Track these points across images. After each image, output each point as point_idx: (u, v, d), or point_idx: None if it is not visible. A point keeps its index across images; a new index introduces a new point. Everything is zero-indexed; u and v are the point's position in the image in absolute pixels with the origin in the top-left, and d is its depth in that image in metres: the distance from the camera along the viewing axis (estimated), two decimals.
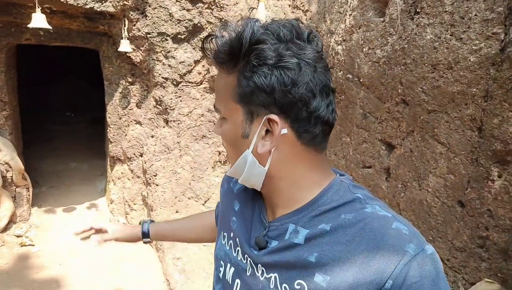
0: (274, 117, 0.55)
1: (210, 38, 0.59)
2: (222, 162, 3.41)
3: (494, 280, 1.41)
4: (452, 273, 1.66)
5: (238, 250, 0.67)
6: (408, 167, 1.87)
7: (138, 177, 3.47)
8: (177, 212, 3.26)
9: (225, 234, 0.73)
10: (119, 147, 3.50)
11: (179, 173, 3.16)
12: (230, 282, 0.67)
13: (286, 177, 0.60)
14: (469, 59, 1.42)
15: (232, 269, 0.67)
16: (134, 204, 3.57)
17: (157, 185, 3.14)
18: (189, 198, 3.22)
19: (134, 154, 3.40)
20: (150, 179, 3.20)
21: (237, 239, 0.67)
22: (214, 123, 3.20)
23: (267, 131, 0.57)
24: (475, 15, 1.38)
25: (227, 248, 0.70)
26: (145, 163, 3.26)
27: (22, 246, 3.15)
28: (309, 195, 0.60)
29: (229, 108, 0.59)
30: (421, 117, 1.73)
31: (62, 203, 3.91)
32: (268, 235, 0.62)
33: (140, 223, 1.07)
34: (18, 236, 3.23)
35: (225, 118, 0.60)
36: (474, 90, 1.42)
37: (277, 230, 0.61)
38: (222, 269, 0.70)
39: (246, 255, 0.64)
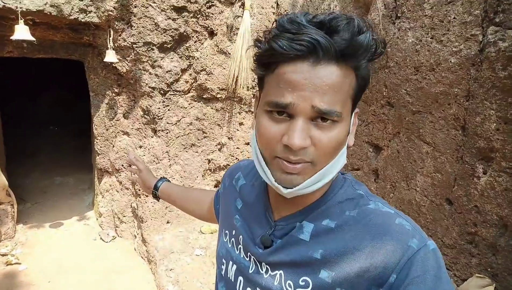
0: (357, 109, 0.59)
1: (341, 30, 0.51)
2: (212, 170, 3.40)
3: (485, 275, 1.44)
4: None
5: (240, 248, 0.67)
6: (396, 167, 1.90)
7: (127, 188, 3.42)
8: (168, 222, 3.22)
9: (227, 231, 0.73)
10: (106, 159, 3.45)
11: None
12: (232, 280, 0.67)
13: None
14: (450, 61, 1.47)
15: (234, 266, 0.67)
16: (124, 216, 3.51)
17: (146, 196, 3.10)
18: None
19: (122, 165, 3.36)
20: (139, 190, 3.16)
21: (240, 237, 0.68)
22: (203, 131, 3.20)
23: None
24: (454, 18, 1.43)
25: (229, 246, 0.70)
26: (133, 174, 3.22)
27: (8, 265, 3.04)
28: (318, 193, 0.60)
29: (347, 108, 0.54)
30: (406, 118, 1.77)
31: (48, 219, 3.81)
32: (274, 234, 0.62)
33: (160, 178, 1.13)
34: (3, 255, 3.13)
35: (339, 121, 0.52)
36: (456, 90, 1.47)
37: (284, 229, 0.61)
38: (224, 267, 0.70)
39: (249, 253, 0.65)
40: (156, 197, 1.11)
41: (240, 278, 0.65)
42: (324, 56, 0.50)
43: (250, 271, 0.64)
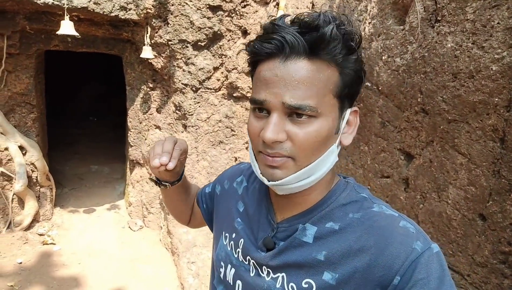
0: (356, 108, 0.59)
1: (314, 26, 0.53)
2: None
3: None
4: (473, 289, 1.59)
5: (238, 252, 0.67)
6: (428, 177, 1.82)
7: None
8: None
9: (227, 234, 0.73)
10: (138, 151, 3.58)
11: (195, 177, 3.20)
12: (231, 284, 0.67)
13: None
14: (491, 68, 1.39)
15: (233, 270, 0.67)
16: (152, 207, 3.64)
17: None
18: None
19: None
20: None
21: (240, 241, 0.67)
22: (232, 129, 3.24)
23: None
24: (498, 23, 1.35)
25: (229, 249, 0.70)
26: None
27: (44, 244, 3.25)
28: (319, 195, 0.61)
29: (327, 104, 0.54)
30: (441, 127, 1.70)
31: (83, 204, 4.03)
32: (276, 236, 0.62)
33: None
34: (40, 235, 3.35)
35: (316, 116, 0.53)
36: (496, 99, 1.38)
37: (286, 231, 0.61)
38: (222, 270, 0.70)
39: (248, 257, 0.65)
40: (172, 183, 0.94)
41: (239, 282, 0.66)
42: (291, 52, 0.52)
43: (251, 275, 0.64)
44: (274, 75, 0.53)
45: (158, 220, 3.64)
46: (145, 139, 3.49)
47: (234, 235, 0.70)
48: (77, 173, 4.80)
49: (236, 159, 3.37)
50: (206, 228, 2.92)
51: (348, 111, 0.58)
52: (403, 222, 0.55)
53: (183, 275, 2.72)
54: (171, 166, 0.69)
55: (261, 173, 0.57)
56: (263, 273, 0.62)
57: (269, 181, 0.56)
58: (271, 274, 0.60)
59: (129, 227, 3.67)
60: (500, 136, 1.39)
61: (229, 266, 0.68)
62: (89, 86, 7.46)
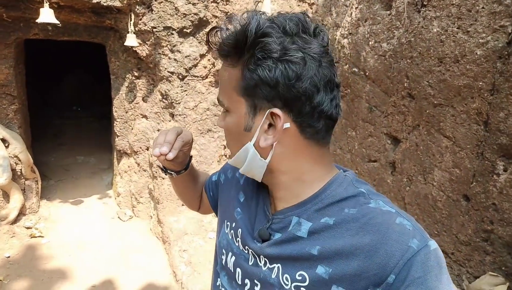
0: (277, 111, 0.55)
1: (215, 31, 0.59)
2: (228, 156, 3.43)
3: (499, 273, 1.42)
4: (457, 266, 1.66)
5: (238, 241, 0.68)
6: (414, 161, 1.87)
7: (145, 170, 3.51)
8: (183, 205, 3.30)
9: (228, 223, 0.73)
10: (125, 140, 3.53)
11: None
12: (232, 270, 0.68)
13: (288, 171, 0.60)
14: (476, 53, 1.42)
15: (233, 258, 0.68)
16: (141, 197, 3.62)
17: (163, 178, 3.17)
18: None
19: (141, 147, 3.44)
20: (156, 172, 3.24)
21: (239, 230, 0.68)
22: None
23: (270, 125, 0.57)
24: (482, 7, 1.37)
25: (230, 237, 0.71)
26: (151, 156, 3.29)
27: (32, 237, 3.21)
28: (311, 189, 0.60)
29: (232, 101, 0.59)
30: (427, 111, 1.73)
31: (70, 196, 3.97)
32: (271, 227, 0.62)
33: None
34: (27, 228, 3.30)
35: (228, 111, 0.60)
36: (481, 83, 1.41)
37: (281, 222, 0.61)
38: (224, 257, 0.71)
39: (246, 246, 0.65)
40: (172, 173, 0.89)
41: (238, 270, 0.67)
42: (218, 55, 0.61)
43: (250, 263, 0.64)
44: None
45: (147, 209, 3.63)
46: (132, 128, 3.44)
47: (234, 224, 0.71)
48: (63, 165, 4.72)
49: (225, 147, 3.37)
50: (195, 216, 2.91)
51: (267, 111, 0.56)
52: (400, 219, 0.54)
53: (175, 263, 2.74)
54: (170, 156, 0.71)
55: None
56: (260, 262, 0.62)
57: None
58: (268, 264, 0.61)
59: (119, 217, 3.65)
60: (484, 119, 1.43)
61: (230, 253, 0.69)
62: (72, 75, 7.26)
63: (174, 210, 3.23)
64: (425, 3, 1.71)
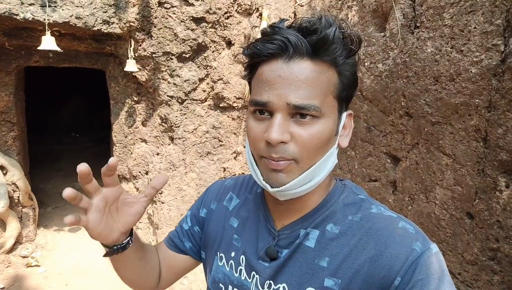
0: (351, 111, 0.60)
1: (316, 29, 0.53)
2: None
3: None
4: (464, 287, 1.62)
5: (241, 270, 0.64)
6: (415, 179, 1.86)
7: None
8: None
9: (222, 255, 0.69)
10: (124, 165, 3.52)
11: (184, 190, 3.16)
12: None
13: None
14: (471, 71, 1.44)
15: None
16: (140, 222, 3.56)
17: (162, 203, 3.14)
18: None
19: (140, 172, 3.42)
20: (155, 197, 3.20)
21: (241, 257, 0.65)
22: (219, 140, 3.23)
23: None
24: (475, 27, 1.41)
25: (227, 269, 0.67)
26: (150, 181, 3.27)
27: (28, 267, 3.13)
28: (319, 198, 0.61)
29: (328, 105, 0.55)
30: (426, 129, 1.74)
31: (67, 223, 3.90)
32: (278, 244, 0.61)
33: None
34: (24, 257, 3.22)
35: (319, 116, 0.54)
36: (477, 101, 1.43)
37: (288, 238, 0.60)
38: None
39: (253, 273, 0.62)
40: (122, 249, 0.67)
41: None
42: (295, 52, 0.52)
43: None
44: (278, 76, 0.52)
45: (146, 235, 3.56)
46: (131, 153, 3.43)
47: (233, 254, 0.67)
48: (61, 191, 4.52)
49: (224, 170, 3.35)
50: None
51: (345, 113, 0.59)
52: (402, 223, 0.55)
53: (175, 289, 2.67)
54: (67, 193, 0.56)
55: (264, 180, 0.56)
56: (263, 288, 0.60)
57: (272, 187, 0.54)
58: (273, 286, 0.59)
59: None
60: (482, 136, 1.44)
61: (230, 286, 0.65)
62: (70, 102, 7.32)
63: None
64: (418, 24, 1.75)
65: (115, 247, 0.66)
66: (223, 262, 0.68)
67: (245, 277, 0.63)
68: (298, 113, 0.53)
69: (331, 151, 0.57)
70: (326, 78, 0.54)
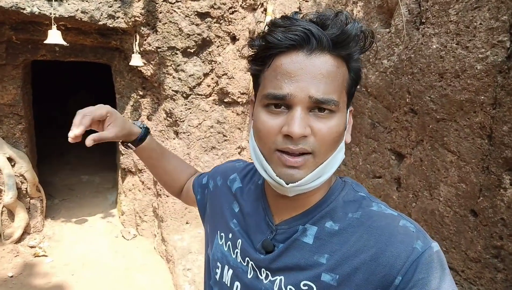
0: (351, 107, 0.60)
1: (336, 24, 0.53)
2: None
3: None
4: (468, 284, 1.62)
5: (237, 252, 0.65)
6: (419, 176, 1.85)
7: (149, 188, 3.51)
8: (187, 223, 3.28)
9: (222, 234, 0.70)
10: (130, 159, 3.55)
11: None
12: (228, 285, 0.65)
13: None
14: (476, 67, 1.43)
15: (231, 271, 0.65)
16: (145, 215, 3.60)
17: (167, 196, 3.16)
18: None
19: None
20: (160, 190, 3.23)
21: (238, 241, 0.66)
22: (224, 135, 3.24)
23: None
24: (480, 24, 1.39)
25: (225, 249, 0.68)
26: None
27: (35, 256, 3.19)
28: (319, 195, 0.60)
29: (342, 100, 0.54)
30: (430, 126, 1.73)
31: (74, 215, 3.97)
32: (275, 238, 0.61)
33: (139, 127, 0.87)
34: (31, 247, 3.28)
35: (335, 111, 0.53)
36: (482, 97, 1.42)
37: (285, 233, 0.60)
38: (219, 271, 0.68)
39: (247, 258, 0.63)
40: (131, 147, 0.87)
41: (237, 283, 0.64)
42: (317, 45, 0.51)
43: (249, 276, 0.62)
44: (299, 68, 0.51)
45: (151, 228, 3.60)
46: None
47: (230, 235, 0.68)
48: (68, 184, 4.73)
49: None
50: (199, 234, 2.88)
51: (349, 109, 0.59)
52: (403, 221, 0.55)
53: (179, 282, 2.70)
54: (74, 132, 0.74)
55: (277, 175, 0.54)
56: (261, 276, 0.61)
57: (287, 183, 0.53)
58: (270, 277, 0.59)
59: (123, 236, 3.62)
60: (487, 133, 1.42)
61: (226, 267, 0.66)
62: (78, 95, 7.38)
63: (178, 228, 3.20)
64: (423, 20, 1.73)
65: (136, 139, 0.84)
66: (222, 242, 0.69)
67: (240, 260, 0.64)
68: (317, 107, 0.52)
69: (341, 146, 0.57)
70: (342, 73, 0.54)
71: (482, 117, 1.44)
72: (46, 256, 3.21)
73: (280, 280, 0.58)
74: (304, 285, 0.56)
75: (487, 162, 1.44)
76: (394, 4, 1.95)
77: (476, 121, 1.47)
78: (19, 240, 3.28)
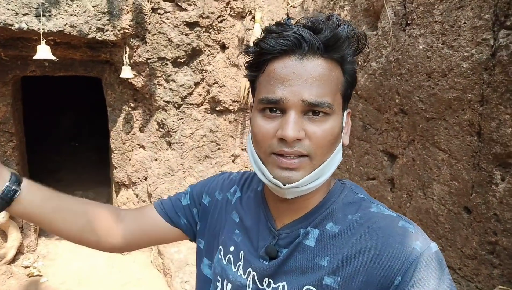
0: (349, 110, 0.61)
1: (327, 27, 0.53)
2: None
3: (508, 286, 1.38)
4: (465, 282, 1.62)
5: (239, 265, 0.64)
6: (412, 176, 1.86)
7: (143, 201, 3.48)
8: None
9: (221, 247, 0.69)
10: (123, 172, 3.52)
11: None
12: None
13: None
14: (462, 66, 1.45)
15: (229, 285, 0.64)
16: None
17: None
18: None
19: (139, 178, 3.42)
20: (156, 201, 3.20)
21: (240, 253, 0.65)
22: (217, 143, 3.24)
23: None
24: (464, 23, 1.42)
25: (224, 263, 0.67)
26: (149, 186, 3.27)
27: (30, 277, 3.12)
28: (320, 197, 0.61)
29: (337, 102, 0.55)
30: (420, 126, 1.74)
31: None
32: (278, 243, 0.61)
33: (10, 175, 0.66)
34: (26, 267, 3.21)
35: (331, 113, 0.54)
36: (470, 95, 1.44)
37: (288, 237, 0.60)
38: (219, 285, 0.67)
39: (249, 270, 0.62)
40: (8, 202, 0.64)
41: None
42: (309, 49, 0.52)
43: (249, 289, 0.61)
44: (291, 72, 0.52)
45: None
46: (129, 159, 3.44)
47: (232, 248, 0.67)
48: None
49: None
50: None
51: (346, 111, 0.60)
52: (402, 222, 0.55)
53: None
54: None
55: (274, 177, 0.54)
56: (262, 285, 0.60)
57: (284, 184, 0.54)
58: (272, 284, 0.59)
59: None
60: (476, 130, 1.44)
61: (226, 281, 0.65)
62: (68, 111, 7.33)
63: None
64: (409, 22, 1.76)
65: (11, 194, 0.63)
66: (221, 255, 0.68)
67: (241, 273, 0.63)
68: (311, 110, 0.53)
69: (339, 148, 0.58)
70: (335, 75, 0.55)
71: (470, 115, 1.45)
72: (40, 276, 3.14)
73: (283, 286, 0.58)
74: (307, 289, 0.55)
75: (478, 159, 1.46)
76: (380, 7, 1.99)
77: (464, 119, 1.49)
78: (13, 260, 3.21)
